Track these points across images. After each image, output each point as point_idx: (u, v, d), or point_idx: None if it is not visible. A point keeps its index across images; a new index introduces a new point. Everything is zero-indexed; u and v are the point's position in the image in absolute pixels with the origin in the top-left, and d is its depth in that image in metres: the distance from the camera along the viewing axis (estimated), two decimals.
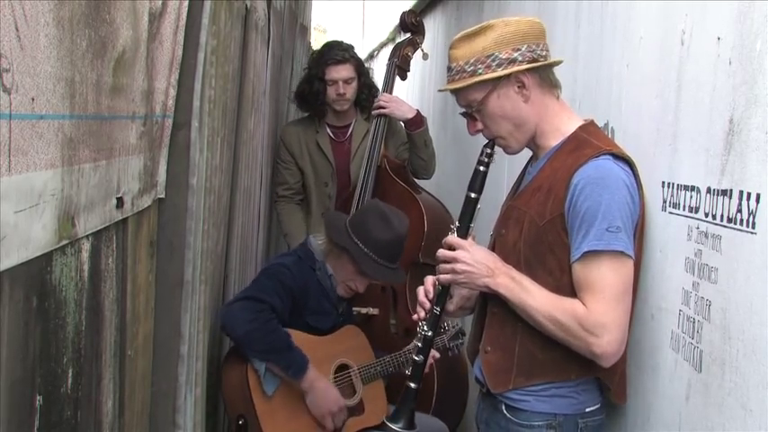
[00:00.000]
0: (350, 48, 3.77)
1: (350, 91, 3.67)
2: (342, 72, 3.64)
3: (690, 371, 1.58)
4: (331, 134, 3.76)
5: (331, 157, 3.72)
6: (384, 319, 3.45)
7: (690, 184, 1.62)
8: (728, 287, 1.44)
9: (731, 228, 1.43)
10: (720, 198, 1.47)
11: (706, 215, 1.53)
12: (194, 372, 2.42)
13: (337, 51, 3.68)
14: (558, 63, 1.93)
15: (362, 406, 2.86)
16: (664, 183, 1.76)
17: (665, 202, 1.76)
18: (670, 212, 1.73)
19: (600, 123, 2.12)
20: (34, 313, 1.33)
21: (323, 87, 3.65)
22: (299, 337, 2.70)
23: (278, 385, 2.68)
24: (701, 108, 1.58)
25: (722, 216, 1.46)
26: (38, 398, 1.37)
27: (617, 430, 1.96)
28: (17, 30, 1.13)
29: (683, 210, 1.65)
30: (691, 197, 1.61)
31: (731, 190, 1.44)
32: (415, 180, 3.71)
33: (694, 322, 1.57)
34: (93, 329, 1.65)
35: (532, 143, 1.95)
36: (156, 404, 2.21)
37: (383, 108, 3.57)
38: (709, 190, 1.53)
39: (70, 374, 1.52)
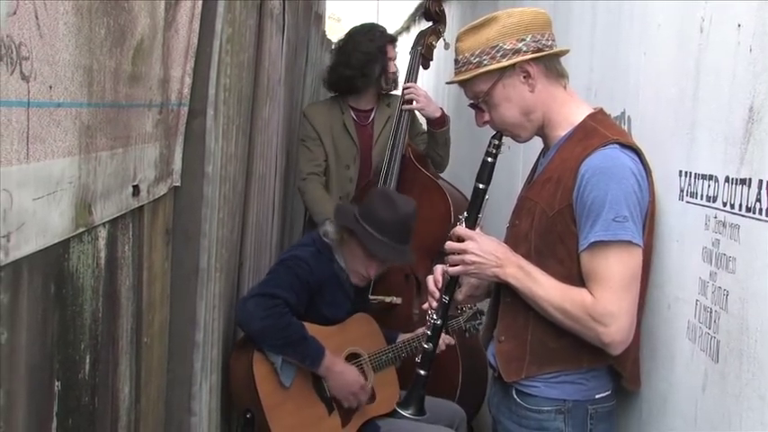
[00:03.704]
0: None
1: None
2: (393, 51, 3.73)
3: (706, 361, 1.57)
4: (354, 117, 3.75)
5: (356, 139, 3.70)
6: (407, 308, 3.44)
7: (708, 173, 1.61)
8: (747, 277, 1.43)
9: (750, 217, 1.41)
10: (739, 187, 1.46)
11: (724, 204, 1.52)
12: (210, 359, 2.43)
13: (391, 34, 3.81)
14: (563, 53, 1.94)
15: (373, 394, 2.87)
16: (681, 172, 1.75)
17: (682, 191, 1.74)
18: (687, 202, 1.71)
19: (617, 112, 2.10)
20: (52, 300, 1.35)
21: (386, 63, 3.69)
22: (308, 329, 2.71)
23: (294, 376, 2.70)
24: (720, 96, 1.57)
25: (741, 205, 1.45)
26: (56, 383, 1.38)
27: (633, 420, 1.96)
28: (37, 18, 1.14)
29: (701, 199, 1.63)
30: (708, 186, 1.60)
31: (750, 179, 1.42)
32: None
33: (711, 312, 1.56)
34: (109, 316, 1.66)
35: (542, 133, 1.96)
36: (171, 391, 2.22)
37: (415, 101, 3.55)
38: (727, 179, 1.51)
39: (87, 361, 1.53)
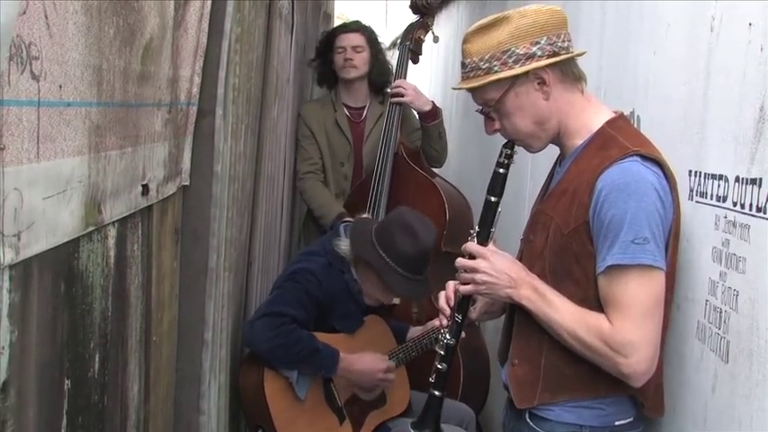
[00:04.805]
0: (361, 23, 3.84)
1: (358, 59, 3.66)
2: (351, 39, 3.67)
3: (716, 361, 1.57)
4: (348, 114, 3.76)
5: (349, 136, 3.71)
6: (406, 308, 3.43)
7: (718, 173, 1.60)
8: (757, 277, 1.42)
9: (760, 217, 1.41)
10: (749, 187, 1.45)
11: (734, 204, 1.51)
12: (218, 358, 2.44)
13: (347, 24, 3.82)
14: (580, 55, 1.80)
15: (384, 397, 2.86)
16: (691, 172, 1.74)
17: (691, 191, 1.73)
18: (697, 201, 1.70)
19: (626, 112, 2.08)
20: (62, 298, 1.35)
21: (332, 56, 3.69)
22: (319, 338, 2.68)
23: (309, 387, 2.69)
24: (731, 96, 1.56)
25: (751, 205, 1.44)
26: (66, 381, 1.39)
27: (641, 422, 1.95)
28: (46, 18, 1.14)
29: (711, 199, 1.62)
30: (718, 186, 1.59)
31: (761, 179, 1.41)
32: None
33: (721, 312, 1.55)
34: (118, 315, 1.67)
35: (558, 142, 1.84)
36: (180, 389, 2.23)
37: (403, 95, 3.55)
38: (737, 179, 1.50)
39: (97, 359, 1.54)
